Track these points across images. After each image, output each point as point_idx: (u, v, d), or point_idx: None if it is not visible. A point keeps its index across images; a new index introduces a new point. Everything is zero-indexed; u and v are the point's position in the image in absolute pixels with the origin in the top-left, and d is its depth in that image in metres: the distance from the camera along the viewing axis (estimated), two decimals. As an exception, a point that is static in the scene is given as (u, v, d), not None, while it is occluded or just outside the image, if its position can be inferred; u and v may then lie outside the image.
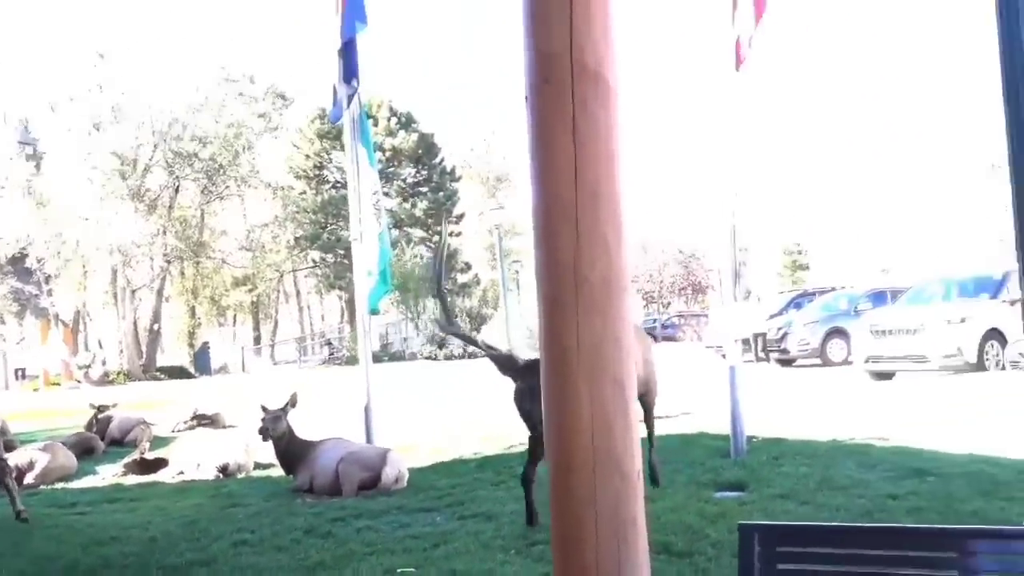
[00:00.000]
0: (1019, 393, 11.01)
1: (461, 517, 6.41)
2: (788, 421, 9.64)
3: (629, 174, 2.59)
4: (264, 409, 7.92)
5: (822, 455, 7.23)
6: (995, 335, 14.30)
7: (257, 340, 45.90)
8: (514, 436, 8.57)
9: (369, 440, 8.67)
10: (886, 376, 15.12)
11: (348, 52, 8.45)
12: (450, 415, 13.18)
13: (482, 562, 5.10)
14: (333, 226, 38.74)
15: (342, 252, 39.16)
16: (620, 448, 2.41)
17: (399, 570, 5.06)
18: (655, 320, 37.70)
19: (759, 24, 7.59)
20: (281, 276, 42.92)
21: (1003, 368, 13.78)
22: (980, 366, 14.18)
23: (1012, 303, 14.52)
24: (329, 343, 42.82)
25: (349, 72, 8.51)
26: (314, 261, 42.20)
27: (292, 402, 8.12)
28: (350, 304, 42.28)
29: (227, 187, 35.94)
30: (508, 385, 5.70)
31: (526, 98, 2.60)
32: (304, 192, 38.98)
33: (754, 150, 8.08)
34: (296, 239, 39.00)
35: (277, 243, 38.37)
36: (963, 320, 14.52)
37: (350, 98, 8.69)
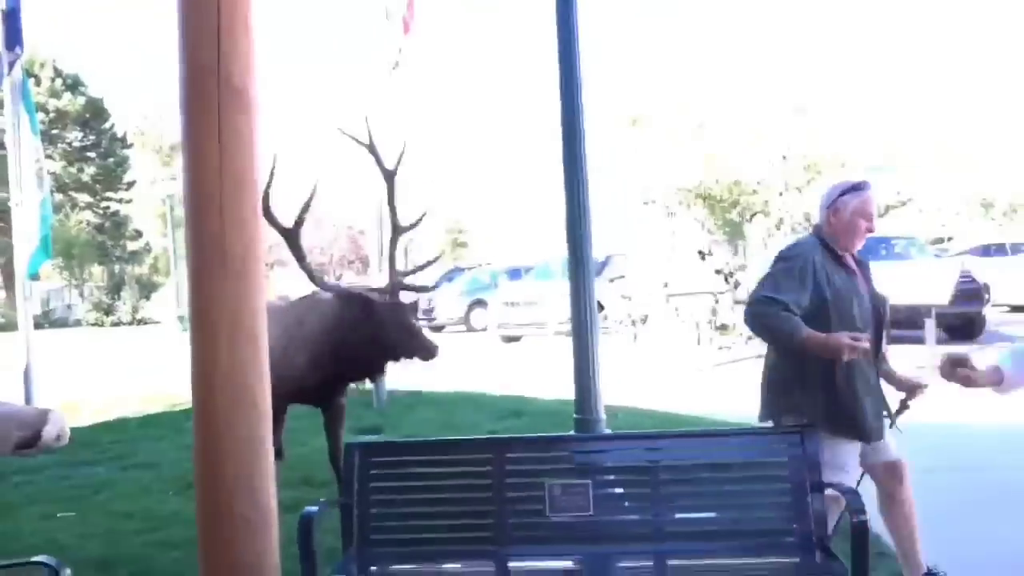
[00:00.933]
0: (610, 349, 12.84)
1: (124, 468, 6.48)
2: (428, 378, 10.54)
3: (266, 166, 3.04)
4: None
5: (448, 403, 8.15)
6: (599, 307, 16.43)
7: None
8: (179, 396, 8.62)
9: (29, 403, 8.26)
10: (515, 339, 16.72)
11: (12, 19, 7.95)
12: (114, 378, 12.65)
13: (142, 503, 5.30)
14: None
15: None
16: (254, 386, 2.86)
17: (59, 514, 5.11)
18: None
19: None
20: None
21: (603, 332, 15.91)
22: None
23: (611, 280, 16.77)
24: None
25: (12, 39, 8.02)
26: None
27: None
28: (5, 268, 37.81)
29: None
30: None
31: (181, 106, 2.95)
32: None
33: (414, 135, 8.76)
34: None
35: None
36: (575, 294, 16.47)
37: (11, 64, 8.17)
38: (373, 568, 3.01)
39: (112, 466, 6.57)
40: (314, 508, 2.80)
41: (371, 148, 4.51)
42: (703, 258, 12.16)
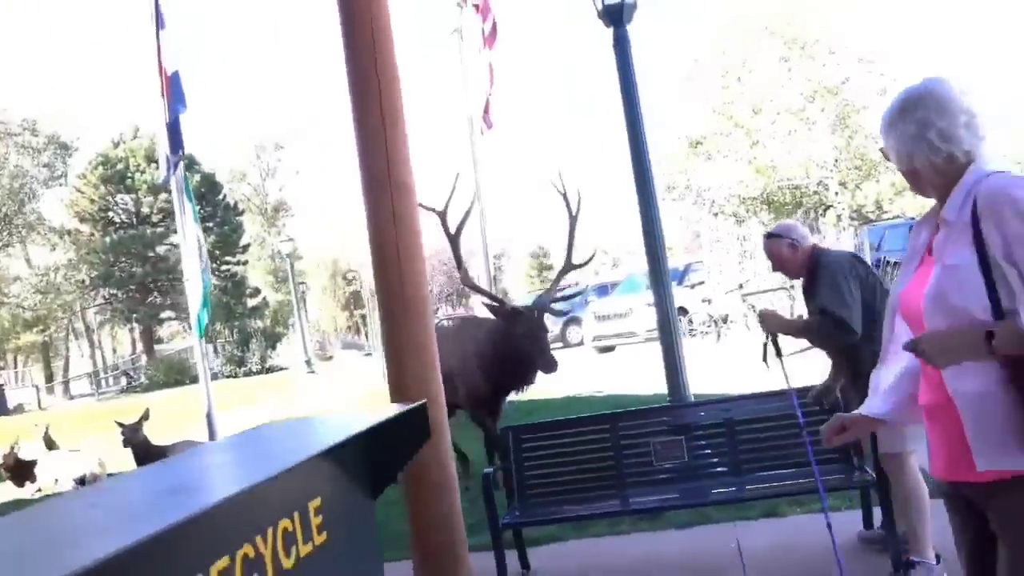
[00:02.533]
0: (696, 349, 13.64)
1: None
2: (538, 389, 11.56)
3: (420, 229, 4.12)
4: (121, 424, 8.70)
5: (561, 407, 9.16)
6: (682, 312, 17.18)
7: (49, 378, 42.93)
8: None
9: (213, 440, 9.64)
10: (609, 349, 17.59)
11: (174, 128, 9.42)
12: (266, 418, 14.07)
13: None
14: (124, 263, 37.28)
15: (133, 288, 37.77)
16: (433, 389, 3.92)
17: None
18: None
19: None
20: (72, 315, 40.60)
21: (687, 336, 16.61)
22: (674, 336, 16.96)
23: (692, 287, 17.53)
24: (126, 373, 40.90)
25: (176, 145, 9.48)
26: (104, 298, 40.18)
27: (145, 416, 8.98)
28: (145, 335, 40.72)
29: (11, 235, 33.81)
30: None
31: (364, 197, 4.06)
32: (93, 234, 37.22)
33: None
34: (91, 279, 37.21)
35: (70, 283, 36.45)
36: (658, 303, 17.28)
37: (175, 165, 9.66)
38: (533, 512, 4.04)
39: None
40: (490, 469, 3.86)
41: (564, 196, 5.41)
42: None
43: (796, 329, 3.54)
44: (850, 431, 2.01)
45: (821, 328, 3.39)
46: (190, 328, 38.26)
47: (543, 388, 11.49)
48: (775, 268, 3.73)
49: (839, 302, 3.31)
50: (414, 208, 4.06)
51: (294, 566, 1.33)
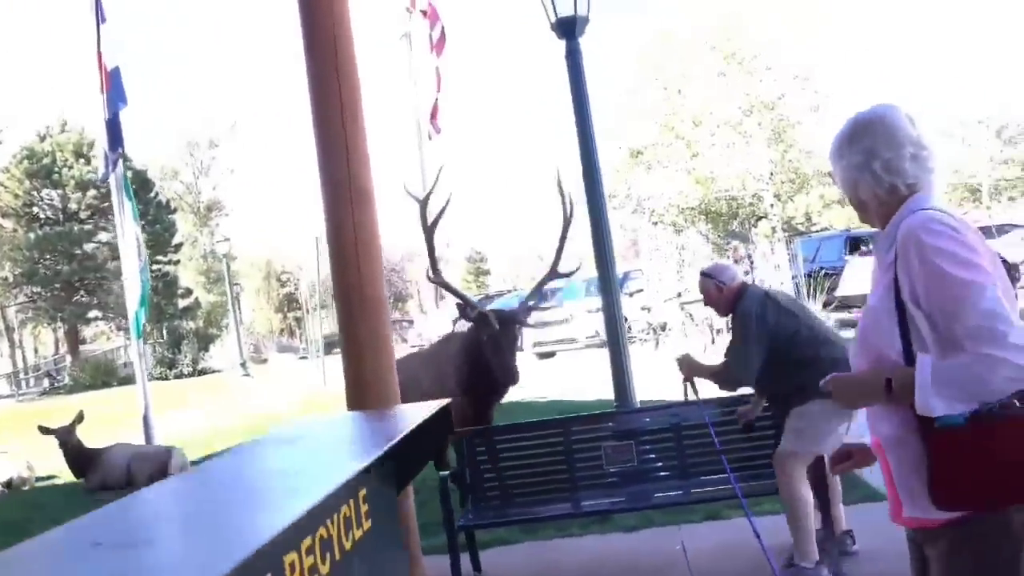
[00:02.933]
0: (636, 356, 13.87)
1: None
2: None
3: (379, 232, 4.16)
4: (45, 429, 8.43)
5: (506, 412, 9.21)
6: (622, 318, 17.46)
7: (-38, 379, 41.17)
8: (265, 429, 9.74)
9: (149, 443, 9.45)
10: (549, 355, 17.75)
11: (113, 125, 9.22)
12: (202, 422, 13.84)
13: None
14: (48, 260, 36.00)
15: (58, 286, 36.52)
16: (389, 391, 3.98)
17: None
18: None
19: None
20: (-9, 312, 39.07)
21: (630, 342, 16.87)
22: (612, 342, 17.21)
23: (630, 295, 17.82)
24: (49, 374, 39.50)
25: (115, 142, 9.28)
26: (27, 296, 38.75)
27: (79, 418, 8.75)
28: (70, 334, 39.38)
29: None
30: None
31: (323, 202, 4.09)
32: (16, 230, 35.84)
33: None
34: (13, 276, 35.81)
35: (-11, 280, 35.10)
36: (598, 309, 17.50)
37: (115, 162, 9.46)
38: (486, 515, 4.11)
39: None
40: (446, 473, 3.92)
41: (561, 195, 5.06)
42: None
43: (709, 374, 3.77)
44: (855, 460, 1.88)
45: (728, 377, 3.73)
46: (118, 328, 37.22)
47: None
48: (706, 303, 3.98)
49: (739, 355, 3.66)
50: (373, 212, 4.10)
51: (351, 548, 1.50)
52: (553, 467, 4.16)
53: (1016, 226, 20.06)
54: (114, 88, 9.13)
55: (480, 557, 4.21)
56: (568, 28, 5.53)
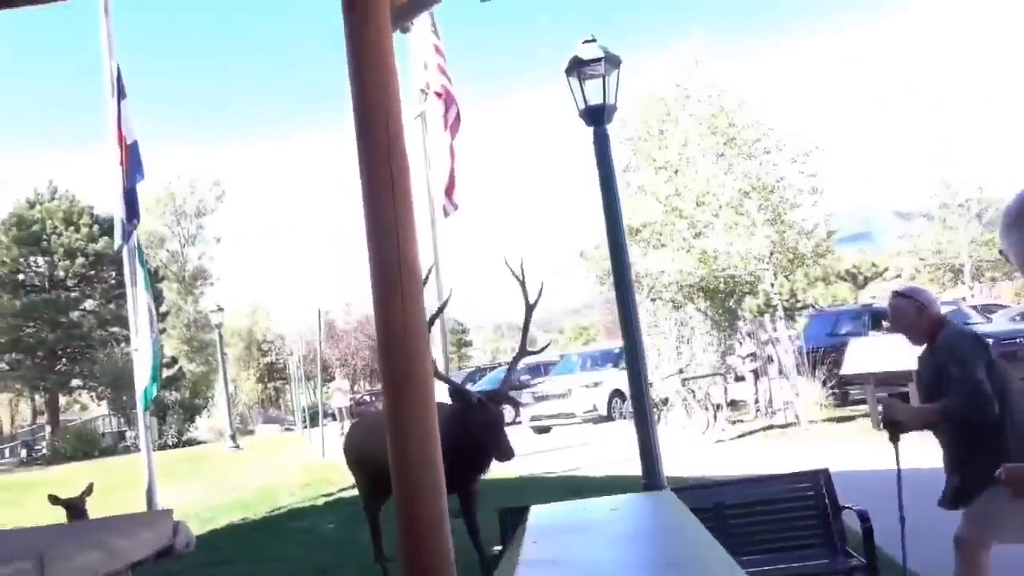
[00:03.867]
0: (631, 434, 13.85)
1: (257, 562, 7.51)
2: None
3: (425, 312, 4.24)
4: (55, 498, 8.29)
5: (516, 488, 9.20)
6: (618, 394, 17.46)
7: (-62, 449, 40.25)
8: (268, 505, 9.62)
9: (151, 517, 9.30)
10: (545, 430, 17.66)
11: (131, 196, 9.36)
12: (196, 496, 13.58)
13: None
14: (33, 328, 35.70)
15: (41, 355, 36.15)
16: (430, 436, 4.01)
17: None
18: (351, 398, 38.81)
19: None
20: (-29, 381, 38.43)
21: (624, 418, 16.79)
22: (609, 417, 17.23)
23: (624, 370, 17.90)
24: (27, 444, 38.70)
25: (132, 213, 9.40)
26: (8, 364, 38.23)
27: (88, 490, 8.60)
28: (51, 404, 38.77)
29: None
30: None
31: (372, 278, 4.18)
32: (1, 296, 35.64)
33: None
34: (-3, 343, 35.47)
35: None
36: (596, 384, 17.57)
37: (130, 233, 9.56)
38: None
39: (247, 562, 7.56)
40: (499, 548, 3.93)
41: (522, 284, 5.41)
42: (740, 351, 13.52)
43: (931, 414, 3.39)
44: None
45: (966, 405, 3.24)
46: (99, 398, 36.45)
47: (492, 467, 11.53)
48: (895, 328, 3.64)
49: (973, 385, 3.22)
50: (420, 290, 4.20)
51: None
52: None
53: (1002, 306, 20.54)
54: (133, 162, 9.31)
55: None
56: (596, 116, 5.75)
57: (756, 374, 13.72)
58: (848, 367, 10.94)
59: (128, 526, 1.27)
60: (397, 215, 4.18)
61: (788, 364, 12.30)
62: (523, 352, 5.70)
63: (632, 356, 5.67)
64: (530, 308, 5.43)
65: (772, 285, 12.56)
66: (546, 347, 5.61)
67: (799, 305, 15.26)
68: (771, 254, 12.10)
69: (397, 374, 4.05)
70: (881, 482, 4.23)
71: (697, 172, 12.60)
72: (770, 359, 12.92)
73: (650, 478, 5.45)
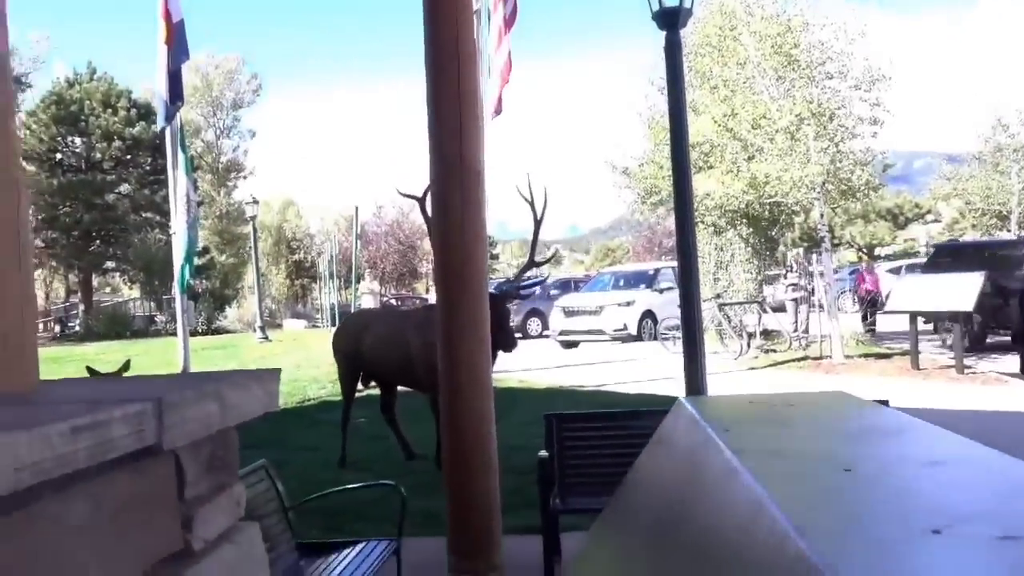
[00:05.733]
0: (660, 356, 13.96)
1: (291, 450, 7.73)
2: (517, 377, 11.72)
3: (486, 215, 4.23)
4: (94, 371, 8.54)
5: (546, 397, 9.34)
6: (649, 315, 17.50)
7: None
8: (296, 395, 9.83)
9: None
10: (573, 345, 17.76)
11: (175, 79, 9.30)
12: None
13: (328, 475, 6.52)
14: (70, 208, 36.20)
15: (76, 234, 36.73)
16: (482, 365, 4.07)
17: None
18: (381, 300, 39.22)
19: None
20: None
21: (653, 339, 16.88)
22: (639, 337, 17.30)
23: (660, 291, 17.87)
24: (60, 320, 39.77)
25: (175, 95, 9.36)
26: (44, 242, 38.98)
27: (126, 366, 8.85)
28: (84, 283, 39.64)
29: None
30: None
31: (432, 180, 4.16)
32: (39, 175, 36.02)
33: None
34: (35, 221, 36.04)
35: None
36: (628, 303, 17.59)
37: (173, 114, 9.55)
38: (571, 498, 4.20)
39: (278, 449, 7.78)
40: (544, 453, 4.00)
41: (531, 203, 5.66)
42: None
43: None
44: None
45: None
46: (132, 281, 37.23)
47: (519, 377, 11.68)
48: None
49: None
50: (482, 194, 4.17)
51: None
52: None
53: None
54: (178, 41, 9.20)
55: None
56: (671, 19, 5.56)
57: (796, 303, 13.64)
58: (893, 303, 10.83)
59: (243, 379, 1.26)
60: (462, 116, 4.13)
61: (829, 298, 12.18)
62: (531, 263, 6.36)
63: (686, 274, 5.65)
64: (538, 224, 5.85)
65: (821, 215, 12.33)
66: (552, 256, 6.27)
67: (835, 242, 15.00)
68: (823, 183, 11.80)
69: (453, 275, 4.07)
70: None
71: (755, 93, 12.21)
72: (812, 291, 12.80)
73: (694, 394, 5.49)
